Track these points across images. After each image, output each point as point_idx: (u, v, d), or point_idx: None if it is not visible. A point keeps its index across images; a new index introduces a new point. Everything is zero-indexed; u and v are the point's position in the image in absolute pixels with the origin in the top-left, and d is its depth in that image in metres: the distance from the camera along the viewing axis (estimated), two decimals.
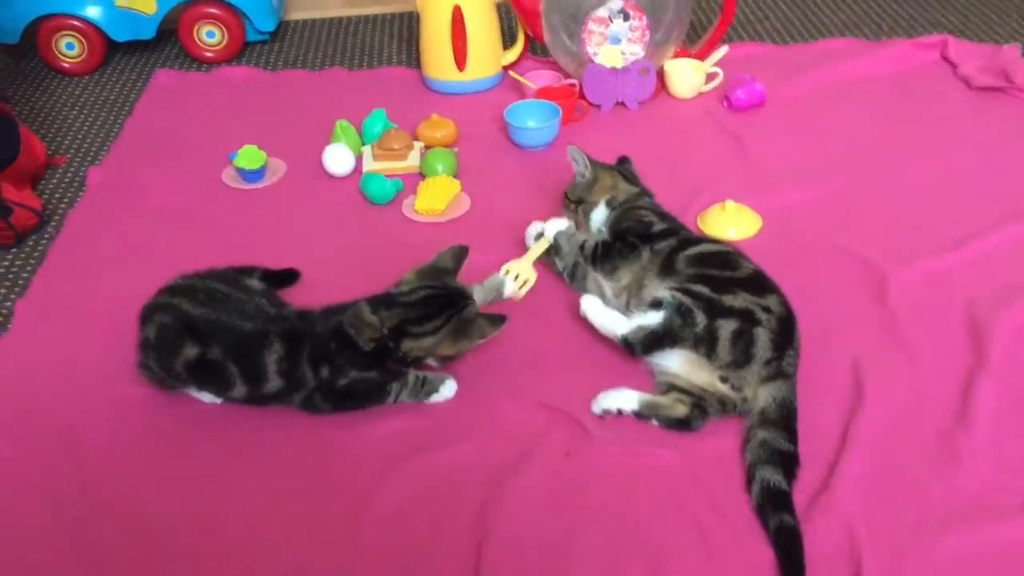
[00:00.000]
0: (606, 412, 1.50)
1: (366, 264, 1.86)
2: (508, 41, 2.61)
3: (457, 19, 2.43)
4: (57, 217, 2.10)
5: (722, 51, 2.49)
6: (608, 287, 1.68)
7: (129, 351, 1.56)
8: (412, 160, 2.19)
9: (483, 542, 1.32)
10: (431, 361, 1.55)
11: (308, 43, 2.92)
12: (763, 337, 1.47)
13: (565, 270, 1.76)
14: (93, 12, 2.68)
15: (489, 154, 2.26)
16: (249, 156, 2.15)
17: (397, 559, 1.32)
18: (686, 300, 1.50)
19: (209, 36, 2.75)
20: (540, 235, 1.79)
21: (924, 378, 1.56)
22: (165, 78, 2.67)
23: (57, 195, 2.18)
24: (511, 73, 2.50)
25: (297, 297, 1.71)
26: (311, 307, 1.55)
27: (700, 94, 2.47)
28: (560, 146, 2.24)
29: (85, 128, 2.47)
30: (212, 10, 2.72)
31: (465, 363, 1.59)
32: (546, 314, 1.72)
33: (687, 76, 2.45)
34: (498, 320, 1.52)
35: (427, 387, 1.54)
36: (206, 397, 1.55)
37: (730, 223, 1.92)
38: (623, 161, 1.91)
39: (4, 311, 1.82)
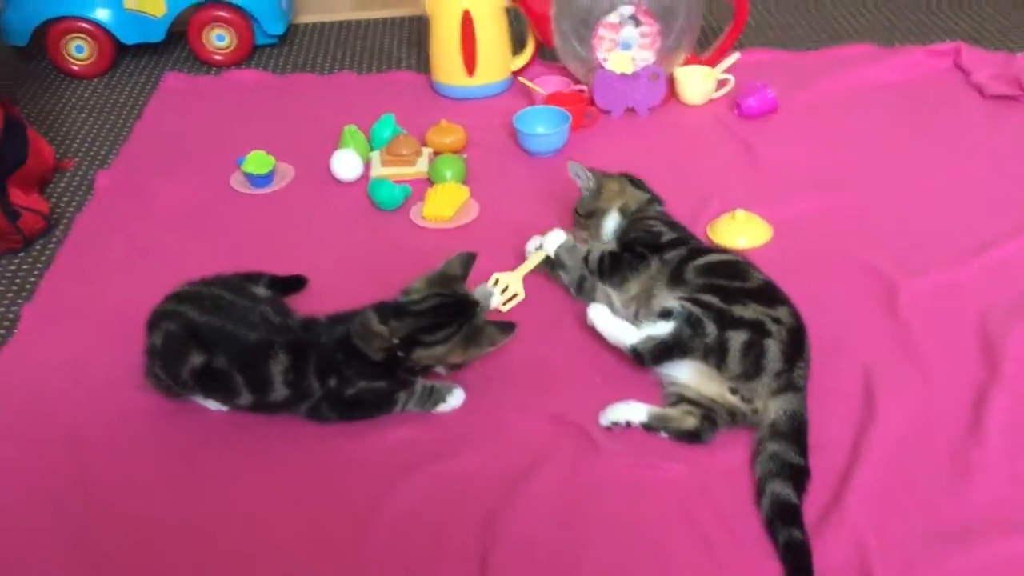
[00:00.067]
0: (614, 424, 1.49)
1: (373, 270, 1.85)
2: (517, 46, 2.60)
3: (467, 24, 2.43)
4: (65, 221, 2.10)
5: (733, 57, 2.48)
6: (617, 297, 1.67)
7: (136, 356, 1.56)
8: (420, 166, 2.18)
9: (489, 552, 1.31)
10: (439, 369, 1.54)
11: (317, 47, 2.92)
12: (774, 349, 1.46)
13: (571, 284, 1.75)
14: (102, 14, 2.68)
15: (498, 160, 2.25)
16: (257, 161, 2.14)
17: (403, 568, 1.31)
18: (696, 310, 1.49)
19: (218, 39, 2.75)
20: (540, 248, 1.79)
21: (936, 390, 1.55)
22: (174, 81, 2.67)
23: (65, 199, 2.18)
24: (520, 79, 2.49)
25: (304, 303, 1.70)
26: (317, 314, 1.54)
27: (711, 101, 2.46)
28: (569, 152, 2.24)
29: (94, 131, 2.47)
30: (221, 13, 2.72)
31: (472, 372, 1.58)
32: (554, 323, 1.71)
33: (698, 82, 2.44)
34: (508, 327, 1.52)
35: (434, 396, 1.53)
36: (212, 405, 1.55)
37: (740, 232, 1.91)
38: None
39: (11, 315, 1.82)
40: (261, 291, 1.64)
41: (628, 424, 1.48)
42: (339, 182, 2.17)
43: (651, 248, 1.66)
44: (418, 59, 2.79)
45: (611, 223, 1.78)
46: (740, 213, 1.92)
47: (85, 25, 2.68)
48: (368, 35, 2.98)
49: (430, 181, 2.15)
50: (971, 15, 2.92)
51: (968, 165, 2.14)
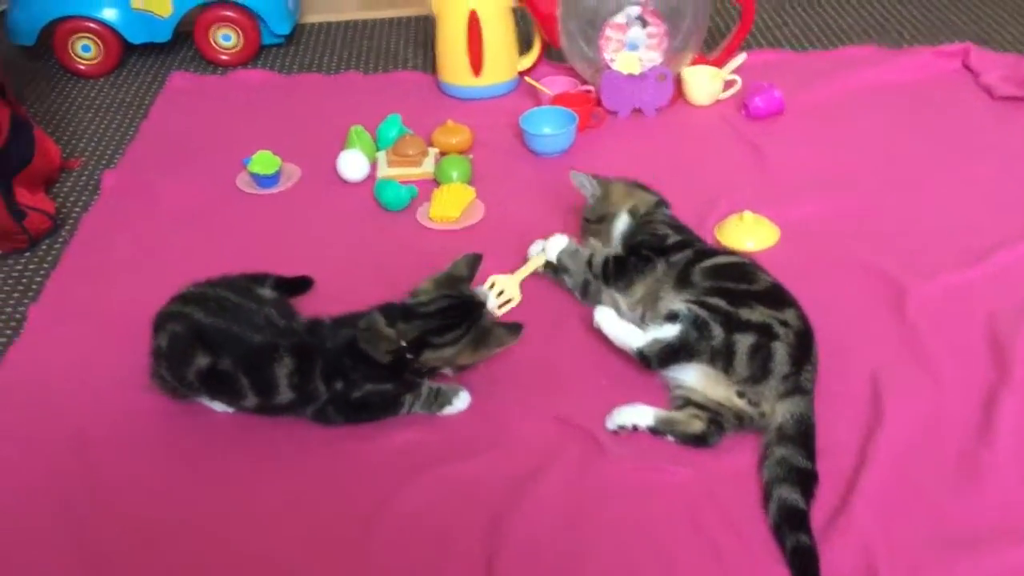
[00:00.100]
0: (621, 428, 1.48)
1: (379, 271, 1.85)
2: (524, 46, 2.59)
3: (473, 24, 2.42)
4: (71, 221, 2.10)
5: (740, 58, 2.47)
6: (623, 301, 1.67)
7: (143, 356, 1.55)
8: (427, 166, 2.18)
9: (495, 555, 1.31)
10: (446, 370, 1.54)
11: (323, 46, 2.91)
12: (781, 352, 1.45)
13: (575, 288, 1.74)
14: (109, 14, 2.68)
15: (504, 161, 2.25)
16: (264, 161, 2.14)
17: (409, 570, 1.31)
18: (702, 313, 1.48)
19: (225, 39, 2.75)
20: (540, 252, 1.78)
21: (944, 393, 1.54)
22: (180, 81, 2.67)
23: (71, 198, 2.18)
24: (527, 79, 2.48)
25: (309, 303, 1.70)
26: (322, 315, 1.54)
27: (718, 101, 2.45)
28: (576, 153, 2.23)
29: (100, 131, 2.47)
30: (228, 13, 2.72)
31: (478, 374, 1.58)
32: (560, 325, 1.71)
33: (705, 83, 2.43)
34: (515, 328, 1.52)
35: (440, 399, 1.53)
36: (218, 406, 1.55)
37: (748, 234, 1.90)
38: None
39: (18, 315, 1.82)
40: (267, 292, 1.63)
41: (635, 428, 1.47)
42: (345, 182, 2.17)
43: (656, 251, 1.65)
44: (424, 59, 2.79)
45: (621, 225, 1.76)
46: (748, 215, 1.92)
47: (92, 25, 2.68)
48: (374, 35, 2.98)
49: (436, 182, 2.14)
50: (981, 16, 2.90)
51: (977, 167, 2.13)
